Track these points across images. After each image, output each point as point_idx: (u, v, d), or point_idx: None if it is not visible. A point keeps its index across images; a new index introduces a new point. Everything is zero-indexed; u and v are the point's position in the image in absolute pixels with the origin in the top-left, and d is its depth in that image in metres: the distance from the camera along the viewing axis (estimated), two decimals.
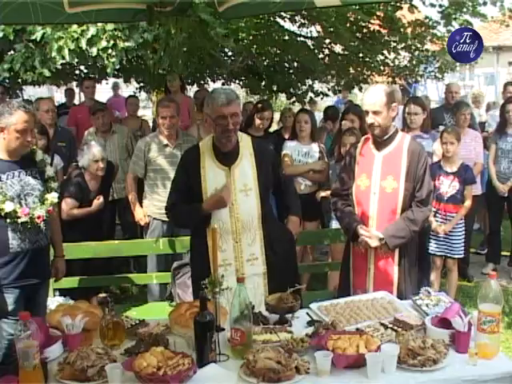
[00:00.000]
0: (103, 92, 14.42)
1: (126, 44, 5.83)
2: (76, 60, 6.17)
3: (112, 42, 5.74)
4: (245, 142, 4.31)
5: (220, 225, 4.15)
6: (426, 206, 4.59)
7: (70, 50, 5.75)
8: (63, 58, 5.91)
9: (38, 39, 5.90)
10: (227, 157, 4.22)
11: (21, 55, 6.13)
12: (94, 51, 5.72)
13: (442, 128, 7.20)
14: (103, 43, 5.71)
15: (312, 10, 7.53)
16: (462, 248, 6.56)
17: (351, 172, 4.75)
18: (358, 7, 7.39)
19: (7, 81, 10.19)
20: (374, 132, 4.56)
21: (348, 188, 4.78)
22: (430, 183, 4.69)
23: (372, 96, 4.52)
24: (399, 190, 4.52)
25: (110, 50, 5.79)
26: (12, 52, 6.36)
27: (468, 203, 6.43)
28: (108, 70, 6.19)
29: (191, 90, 12.52)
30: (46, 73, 6.33)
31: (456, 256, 6.53)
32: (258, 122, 7.36)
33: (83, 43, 5.65)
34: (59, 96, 19.01)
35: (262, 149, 4.43)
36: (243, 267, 4.24)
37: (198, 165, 4.22)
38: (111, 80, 13.37)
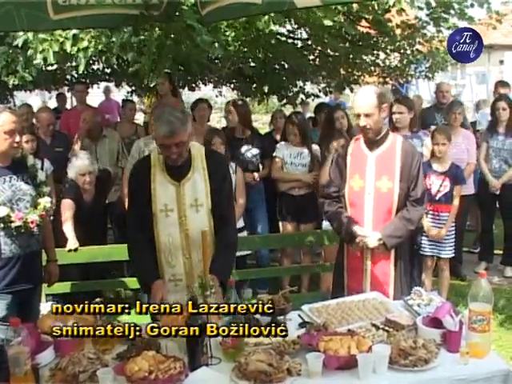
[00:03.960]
0: (95, 96, 14.38)
1: (103, 42, 5.79)
2: (55, 62, 6.11)
3: (93, 43, 5.71)
4: (197, 154, 4.12)
5: (169, 240, 4.04)
6: (421, 205, 4.61)
7: (54, 52, 5.73)
8: (46, 60, 5.89)
9: (20, 45, 5.89)
10: (178, 170, 4.03)
11: (4, 58, 6.12)
12: (74, 50, 5.69)
13: (433, 128, 7.22)
14: (84, 43, 5.69)
15: (299, 15, 7.52)
16: (453, 248, 6.57)
17: (341, 173, 4.74)
18: (345, 9, 7.37)
19: None
20: (367, 135, 4.55)
21: (338, 190, 4.77)
22: (424, 182, 4.74)
23: (363, 98, 4.50)
24: (394, 189, 4.53)
25: (89, 50, 5.75)
26: None
27: (456, 203, 6.43)
28: (81, 68, 6.12)
29: (184, 94, 12.52)
30: (28, 77, 6.30)
31: (447, 256, 6.55)
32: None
33: (68, 45, 5.63)
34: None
35: (215, 161, 4.22)
36: (195, 283, 3.91)
37: (148, 178, 4.06)
38: (102, 84, 13.34)
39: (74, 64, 7.01)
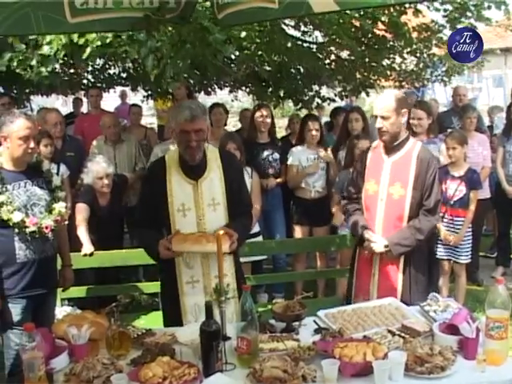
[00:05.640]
0: (111, 100, 14.45)
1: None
2: (63, 54, 6.16)
3: (100, 34, 5.75)
4: (212, 154, 4.15)
5: None
6: (434, 215, 4.55)
7: (62, 44, 5.78)
8: (54, 54, 5.94)
9: (35, 38, 5.97)
10: (194, 170, 4.04)
11: (20, 54, 6.17)
12: (81, 41, 5.73)
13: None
14: (93, 35, 5.72)
15: (315, 18, 7.53)
16: (470, 252, 6.51)
17: (361, 175, 4.74)
18: (362, 13, 7.38)
19: (15, 91, 10.28)
20: (382, 137, 4.54)
21: (359, 191, 4.77)
22: (439, 192, 4.66)
23: (382, 101, 4.50)
24: (406, 197, 4.49)
25: (98, 42, 5.79)
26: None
27: (472, 207, 6.37)
28: (85, 54, 6.15)
29: (199, 98, 12.54)
30: (44, 72, 6.34)
31: (463, 261, 6.49)
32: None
33: (75, 36, 5.67)
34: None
35: (230, 161, 4.27)
36: (211, 283, 3.97)
37: (163, 178, 4.05)
38: (118, 88, 13.38)
39: (89, 69, 7.04)
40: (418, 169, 4.49)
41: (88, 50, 5.94)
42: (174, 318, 4.10)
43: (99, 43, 5.84)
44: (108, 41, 5.87)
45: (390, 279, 4.59)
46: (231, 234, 3.90)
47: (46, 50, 5.99)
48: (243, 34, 6.44)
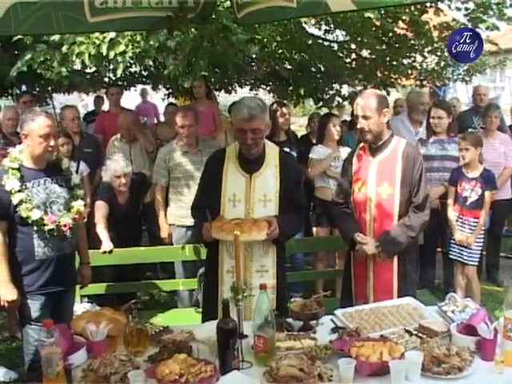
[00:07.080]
0: (132, 98, 14.48)
1: (141, 46, 5.86)
2: (92, 64, 6.23)
3: (130, 47, 5.77)
4: (271, 152, 4.25)
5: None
6: (423, 211, 4.53)
7: (90, 54, 5.82)
8: (83, 62, 6.00)
9: (56, 40, 6.01)
10: (251, 164, 4.16)
11: (42, 54, 6.22)
12: (111, 54, 5.77)
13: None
14: (121, 47, 5.76)
15: (335, 16, 7.53)
16: (479, 255, 6.42)
17: (348, 179, 4.73)
18: (382, 12, 7.35)
19: (37, 89, 10.35)
20: (365, 137, 4.54)
21: (347, 196, 4.75)
22: (427, 188, 4.65)
23: (363, 101, 4.50)
24: (395, 195, 4.49)
25: (127, 54, 5.83)
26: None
27: (486, 208, 6.28)
28: (118, 72, 6.24)
29: (219, 96, 12.55)
30: (64, 72, 6.41)
31: (470, 263, 6.34)
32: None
33: (104, 49, 5.71)
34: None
35: (288, 163, 4.34)
36: (252, 277, 4.12)
37: (221, 168, 4.19)
38: (139, 86, 13.42)
39: (111, 67, 7.08)
40: (405, 165, 4.48)
41: (121, 66, 6.02)
42: (211, 305, 4.23)
43: (130, 54, 5.89)
44: (138, 51, 5.91)
45: (385, 281, 4.58)
46: (271, 221, 4.01)
47: (77, 63, 6.06)
48: (263, 33, 6.45)
